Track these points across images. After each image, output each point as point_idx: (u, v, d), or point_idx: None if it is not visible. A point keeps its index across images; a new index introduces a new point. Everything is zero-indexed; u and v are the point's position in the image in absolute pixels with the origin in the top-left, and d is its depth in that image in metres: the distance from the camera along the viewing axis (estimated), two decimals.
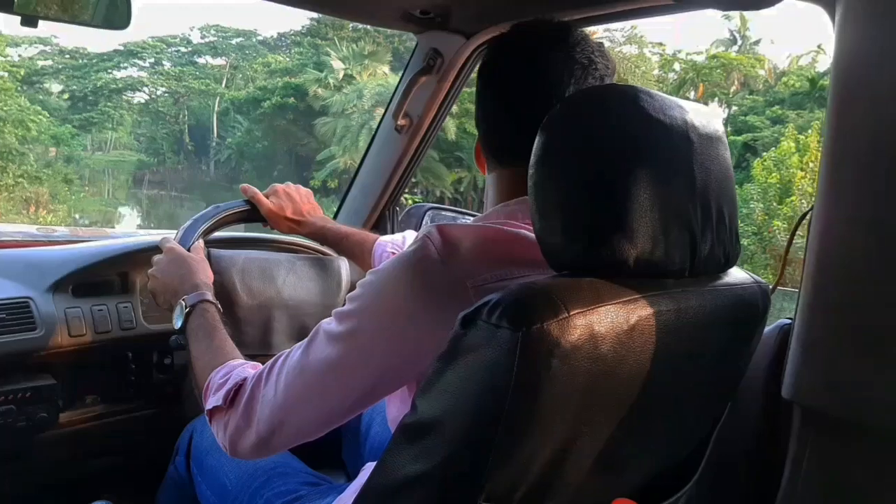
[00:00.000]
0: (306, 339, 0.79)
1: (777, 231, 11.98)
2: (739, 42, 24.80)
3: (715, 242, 0.71)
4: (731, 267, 0.77)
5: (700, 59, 23.96)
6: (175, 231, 1.25)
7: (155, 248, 1.17)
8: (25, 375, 1.21)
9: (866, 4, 0.69)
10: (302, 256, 1.41)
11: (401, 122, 1.59)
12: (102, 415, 1.34)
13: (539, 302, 0.59)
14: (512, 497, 0.62)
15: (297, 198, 1.35)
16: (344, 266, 1.42)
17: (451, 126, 20.80)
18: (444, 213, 1.77)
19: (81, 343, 1.26)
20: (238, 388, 0.83)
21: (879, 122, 0.72)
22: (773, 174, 13.11)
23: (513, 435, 0.60)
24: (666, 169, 0.66)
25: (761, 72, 23.00)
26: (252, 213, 1.33)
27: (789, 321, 1.00)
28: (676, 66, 24.49)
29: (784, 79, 23.06)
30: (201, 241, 1.20)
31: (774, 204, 12.80)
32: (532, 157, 0.67)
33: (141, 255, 1.33)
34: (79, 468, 1.36)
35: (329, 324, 0.77)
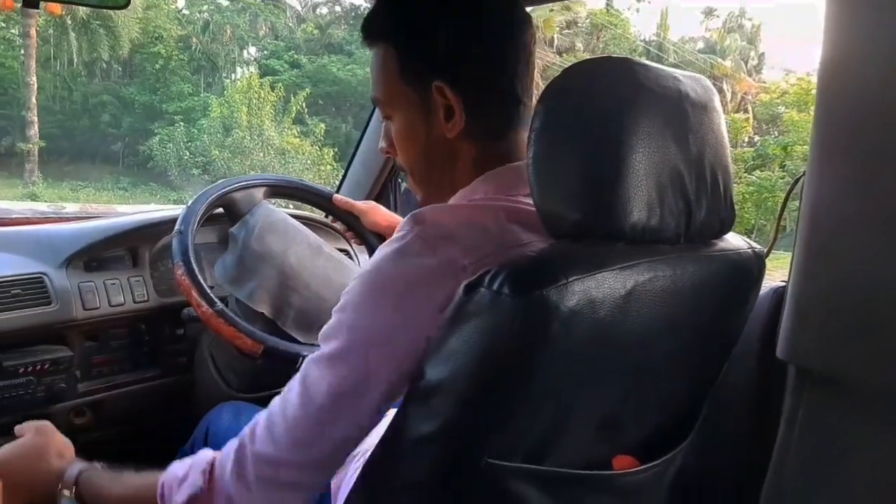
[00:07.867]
0: (294, 382, 0.72)
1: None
2: None
3: (710, 209, 0.73)
4: (726, 233, 0.79)
5: (225, 2, 23.21)
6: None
7: (166, 223, 1.17)
8: (43, 348, 1.24)
9: None
10: (332, 249, 1.44)
11: None
12: (118, 384, 1.38)
13: (538, 269, 0.62)
14: (516, 454, 0.65)
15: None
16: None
17: None
18: None
19: (96, 316, 1.30)
20: (211, 466, 0.73)
21: (869, 84, 0.72)
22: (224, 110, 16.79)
23: (515, 396, 0.63)
24: (661, 138, 0.68)
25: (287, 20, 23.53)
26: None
27: (783, 284, 1.02)
28: (205, 8, 23.05)
29: (303, 26, 23.88)
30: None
31: (219, 136, 16.69)
32: (532, 128, 0.68)
33: (150, 231, 1.36)
34: (97, 435, 1.41)
35: (321, 339, 0.71)
